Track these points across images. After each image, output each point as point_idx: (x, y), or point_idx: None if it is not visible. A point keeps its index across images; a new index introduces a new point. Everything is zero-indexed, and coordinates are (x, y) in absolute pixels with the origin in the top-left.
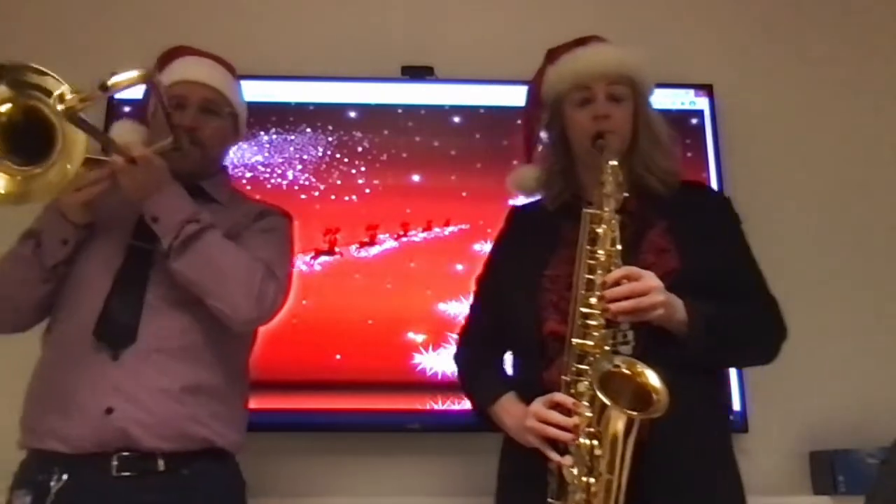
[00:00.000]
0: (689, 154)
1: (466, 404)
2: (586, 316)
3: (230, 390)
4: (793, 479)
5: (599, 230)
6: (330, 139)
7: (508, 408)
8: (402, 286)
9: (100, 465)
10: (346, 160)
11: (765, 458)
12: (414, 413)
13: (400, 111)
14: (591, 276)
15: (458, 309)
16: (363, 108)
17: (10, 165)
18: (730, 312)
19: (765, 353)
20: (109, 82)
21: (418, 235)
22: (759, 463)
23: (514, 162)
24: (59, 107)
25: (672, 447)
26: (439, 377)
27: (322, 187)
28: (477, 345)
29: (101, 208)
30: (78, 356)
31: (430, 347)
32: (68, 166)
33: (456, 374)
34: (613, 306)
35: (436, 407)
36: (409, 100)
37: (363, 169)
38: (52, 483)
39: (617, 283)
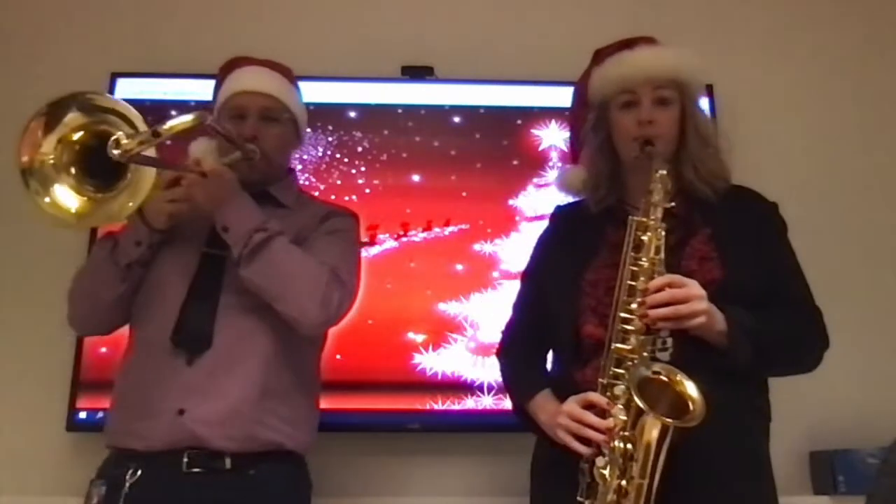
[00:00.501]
0: None
1: (467, 404)
2: (626, 321)
3: (300, 392)
4: (793, 479)
5: (644, 238)
6: (330, 139)
7: (543, 405)
8: (402, 286)
9: (171, 462)
10: (346, 160)
11: None
12: (414, 413)
13: (400, 111)
14: (633, 283)
15: (458, 309)
16: (363, 108)
17: (85, 188)
18: (771, 324)
19: (806, 363)
20: (163, 128)
21: (418, 235)
22: None
23: (515, 162)
24: (116, 151)
25: (709, 454)
26: (439, 377)
27: (322, 187)
28: (518, 342)
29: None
30: (155, 360)
31: (430, 347)
32: (130, 203)
33: (499, 370)
34: (652, 312)
35: (436, 407)
36: (409, 100)
37: (363, 169)
38: (127, 477)
39: (659, 291)
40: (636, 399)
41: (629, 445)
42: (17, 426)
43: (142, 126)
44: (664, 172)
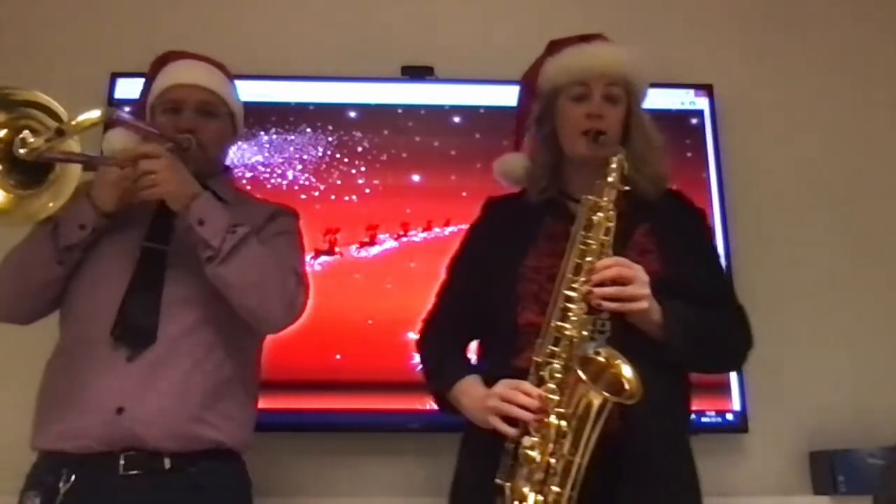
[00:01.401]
0: (688, 154)
1: None
2: (569, 299)
3: (241, 390)
4: (793, 479)
5: (595, 218)
6: (330, 139)
7: (467, 389)
8: (402, 286)
9: (107, 465)
10: (346, 160)
11: (765, 458)
12: (414, 413)
13: (400, 111)
14: (579, 261)
15: None
16: (363, 108)
17: (8, 183)
18: (704, 319)
19: (733, 360)
20: (70, 125)
21: (418, 235)
22: (759, 463)
23: None
24: (22, 151)
25: (642, 438)
26: None
27: (322, 187)
28: (442, 331)
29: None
30: (91, 356)
31: None
32: (51, 204)
33: (419, 359)
34: (597, 290)
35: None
36: (409, 100)
37: (363, 169)
38: (61, 484)
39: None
40: (578, 372)
41: (563, 422)
42: (14, 426)
43: (62, 112)
44: (622, 156)
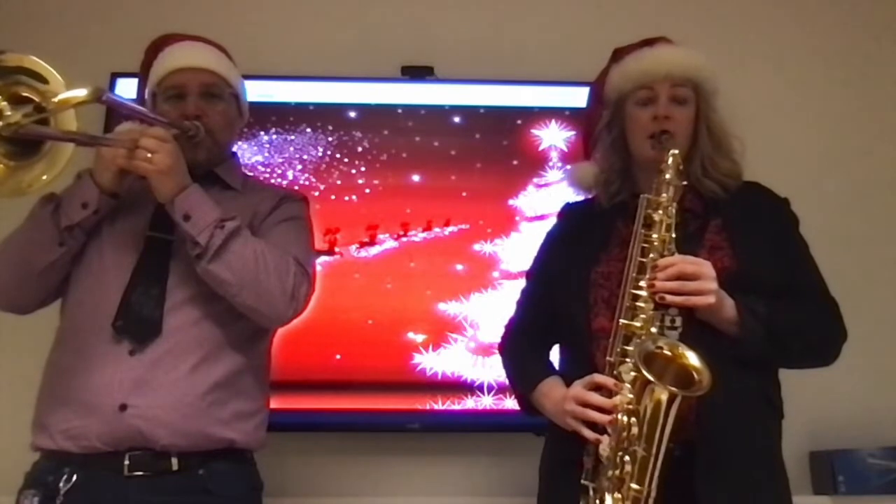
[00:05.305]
0: None
1: (466, 404)
2: (635, 297)
3: (253, 386)
4: (792, 479)
5: (655, 216)
6: (330, 139)
7: (548, 392)
8: (402, 286)
9: (111, 465)
10: (346, 160)
11: None
12: (414, 413)
13: (400, 111)
14: (643, 259)
15: (458, 309)
16: (363, 108)
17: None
18: (784, 313)
19: (822, 354)
20: (51, 102)
21: (418, 235)
22: None
23: (515, 162)
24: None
25: (720, 442)
26: (439, 377)
27: (322, 187)
28: (521, 338)
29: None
30: (92, 349)
31: (430, 347)
32: (44, 177)
33: (502, 364)
34: (659, 284)
35: (436, 407)
36: (409, 100)
37: (363, 169)
38: (62, 484)
39: (670, 266)
40: (642, 370)
41: (633, 419)
42: (13, 425)
43: (56, 79)
44: (676, 152)
